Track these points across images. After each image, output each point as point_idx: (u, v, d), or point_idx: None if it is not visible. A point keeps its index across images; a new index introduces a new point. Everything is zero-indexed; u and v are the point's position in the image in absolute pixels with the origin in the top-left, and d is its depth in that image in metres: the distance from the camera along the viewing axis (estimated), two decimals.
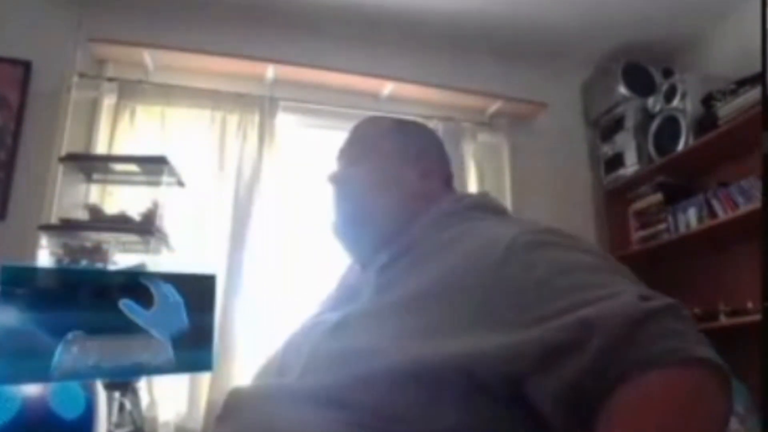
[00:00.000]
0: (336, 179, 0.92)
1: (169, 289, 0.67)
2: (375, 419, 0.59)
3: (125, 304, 0.65)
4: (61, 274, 0.81)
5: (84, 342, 0.61)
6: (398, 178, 0.87)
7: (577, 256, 0.68)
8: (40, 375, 0.61)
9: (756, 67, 1.96)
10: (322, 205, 0.96)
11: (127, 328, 0.64)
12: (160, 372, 0.67)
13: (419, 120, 2.58)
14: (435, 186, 0.89)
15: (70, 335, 0.61)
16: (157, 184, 2.25)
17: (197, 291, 0.70)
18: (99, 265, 2.01)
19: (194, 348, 0.68)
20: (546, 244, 0.68)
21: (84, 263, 2.01)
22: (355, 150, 0.92)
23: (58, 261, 2.06)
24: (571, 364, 0.56)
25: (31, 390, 0.66)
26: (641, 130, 2.77)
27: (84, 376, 0.64)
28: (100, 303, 0.65)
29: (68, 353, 0.60)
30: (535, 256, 0.65)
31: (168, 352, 0.66)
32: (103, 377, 0.64)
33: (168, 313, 0.66)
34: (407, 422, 0.59)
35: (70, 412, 0.69)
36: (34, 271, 0.67)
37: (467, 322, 0.62)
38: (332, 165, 0.95)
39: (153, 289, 0.66)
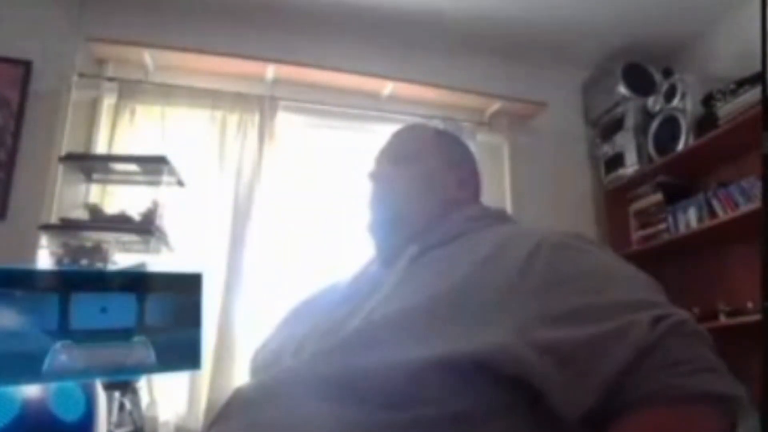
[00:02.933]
0: (377, 177, 0.95)
1: (155, 289, 0.67)
2: (388, 407, 0.59)
3: (109, 304, 0.64)
4: (45, 275, 0.80)
5: (71, 350, 0.61)
6: (441, 181, 0.92)
7: (598, 262, 0.71)
8: (30, 377, 0.61)
9: (756, 67, 1.96)
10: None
11: (114, 329, 0.64)
12: (149, 372, 0.66)
13: (421, 120, 2.57)
14: (468, 195, 0.94)
15: (58, 344, 0.60)
16: (157, 183, 2.25)
17: (184, 290, 0.70)
18: (98, 265, 2.01)
19: (182, 346, 0.68)
20: (571, 247, 0.72)
21: (84, 263, 2.01)
22: (399, 151, 0.96)
23: (58, 261, 2.06)
24: (575, 384, 0.58)
25: (31, 392, 0.65)
26: (641, 130, 2.77)
27: (73, 377, 0.64)
28: (85, 304, 0.64)
29: (57, 360, 0.60)
30: (561, 256, 0.69)
31: (155, 352, 0.65)
32: (92, 378, 0.64)
33: (154, 313, 0.66)
34: (424, 405, 0.59)
35: (70, 415, 0.68)
36: (18, 273, 0.67)
37: (489, 317, 0.64)
38: (370, 164, 0.99)
39: (139, 289, 0.66)
